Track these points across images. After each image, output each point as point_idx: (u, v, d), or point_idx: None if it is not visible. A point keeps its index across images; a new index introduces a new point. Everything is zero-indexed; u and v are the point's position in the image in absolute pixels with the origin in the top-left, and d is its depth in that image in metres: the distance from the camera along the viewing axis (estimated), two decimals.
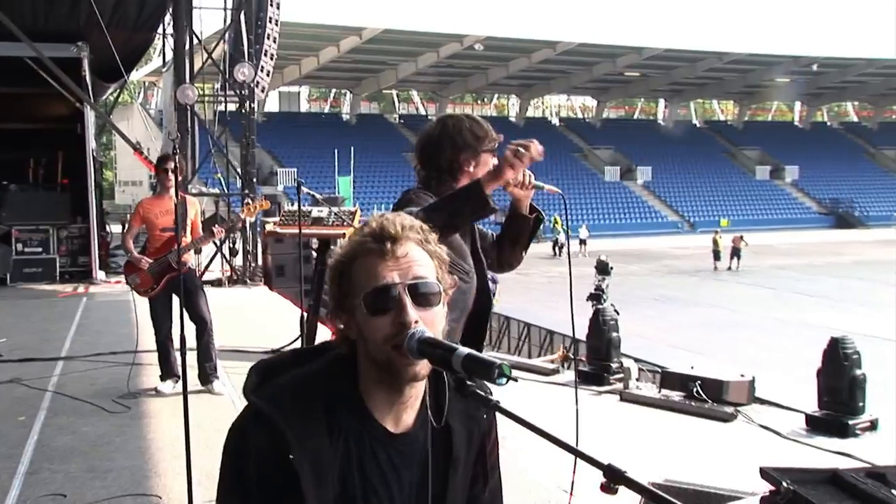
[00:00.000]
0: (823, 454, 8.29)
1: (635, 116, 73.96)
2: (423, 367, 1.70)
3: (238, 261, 16.48)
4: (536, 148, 3.11)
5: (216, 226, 8.22)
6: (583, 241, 44.11)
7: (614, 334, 10.44)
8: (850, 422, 8.62)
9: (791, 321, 24.65)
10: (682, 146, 65.12)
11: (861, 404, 8.14)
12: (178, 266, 7.67)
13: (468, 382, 1.67)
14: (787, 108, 77.52)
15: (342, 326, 1.78)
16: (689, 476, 4.88)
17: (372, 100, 66.89)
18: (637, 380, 10.36)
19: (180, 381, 7.90)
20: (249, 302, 14.13)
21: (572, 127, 67.79)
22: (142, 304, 8.09)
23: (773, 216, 59.69)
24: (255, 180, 16.08)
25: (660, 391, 9.57)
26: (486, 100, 74.43)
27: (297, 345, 9.45)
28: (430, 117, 64.15)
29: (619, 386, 10.01)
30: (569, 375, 10.97)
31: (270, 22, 15.47)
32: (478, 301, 3.43)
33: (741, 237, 39.27)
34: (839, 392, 7.86)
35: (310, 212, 9.92)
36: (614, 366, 10.26)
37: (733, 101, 73.45)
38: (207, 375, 7.98)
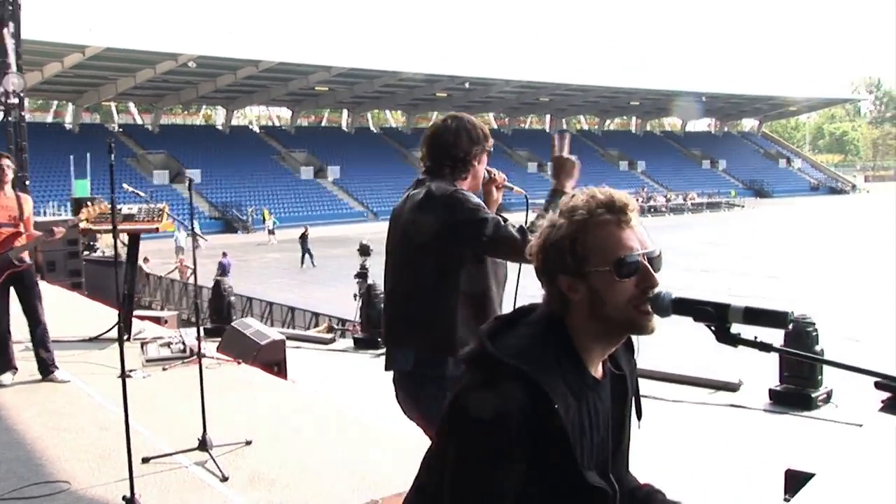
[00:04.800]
0: None
1: (323, 124, 73.90)
2: (657, 322, 1.67)
3: None
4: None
5: (56, 226, 7.36)
6: (271, 231, 43.84)
7: (383, 305, 10.40)
8: None
9: None
10: (363, 148, 65.98)
11: None
12: (19, 262, 6.89)
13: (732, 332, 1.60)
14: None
15: (563, 289, 1.68)
16: None
17: (93, 111, 62.60)
18: None
19: (17, 373, 7.09)
20: None
21: (271, 134, 66.91)
22: None
23: None
24: (27, 183, 14.64)
25: None
26: (193, 110, 71.80)
27: (114, 333, 8.74)
28: (146, 126, 61.17)
29: None
30: (344, 343, 10.86)
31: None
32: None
33: None
34: None
35: (119, 209, 9.18)
36: None
37: (402, 111, 75.08)
38: (47, 367, 6.98)
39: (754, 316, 1.55)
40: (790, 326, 1.52)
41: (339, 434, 5.56)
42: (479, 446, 1.57)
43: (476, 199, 3.00)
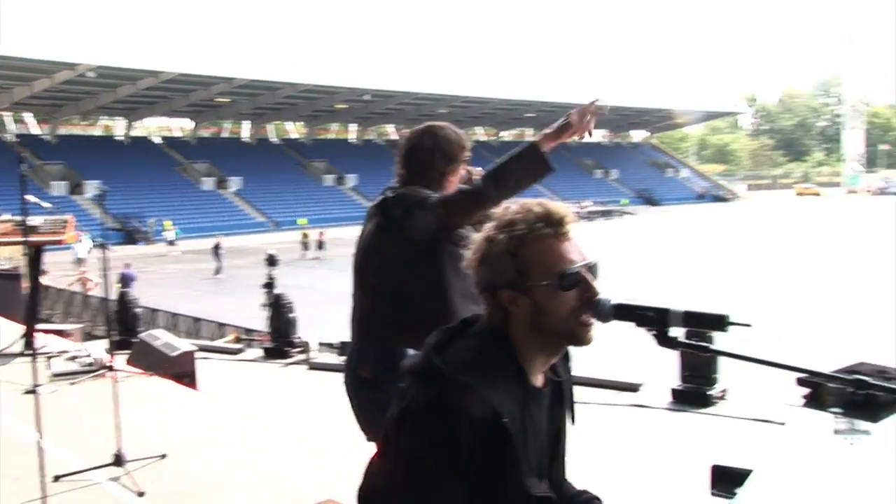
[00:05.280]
0: None
1: (225, 135, 72.54)
2: (595, 333, 1.68)
3: None
4: (597, 107, 2.95)
5: None
6: (171, 242, 43.09)
7: (292, 315, 10.29)
8: None
9: None
10: (265, 160, 65.12)
11: None
12: None
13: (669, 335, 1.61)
14: (344, 128, 79.73)
15: (505, 303, 1.67)
16: None
17: None
18: (318, 351, 10.30)
19: None
20: None
21: (172, 145, 65.24)
22: None
23: (340, 214, 60.85)
24: None
25: (340, 358, 9.59)
26: (92, 121, 69.47)
27: (18, 347, 8.34)
28: (44, 136, 58.94)
29: (302, 357, 9.90)
30: (253, 353, 10.66)
31: None
32: None
33: (322, 232, 40.02)
34: None
35: (23, 221, 8.80)
36: (296, 341, 10.13)
37: (303, 123, 74.26)
38: None
39: (694, 320, 1.56)
40: (727, 330, 1.54)
41: (256, 444, 5.44)
42: (428, 459, 1.54)
43: (427, 192, 2.97)
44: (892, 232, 41.10)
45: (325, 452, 5.20)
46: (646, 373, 7.58)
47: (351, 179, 66.59)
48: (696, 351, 1.61)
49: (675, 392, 7.08)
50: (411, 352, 2.78)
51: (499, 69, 68.76)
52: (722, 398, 7.02)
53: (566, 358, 1.85)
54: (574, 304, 1.65)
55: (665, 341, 1.60)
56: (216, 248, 34.15)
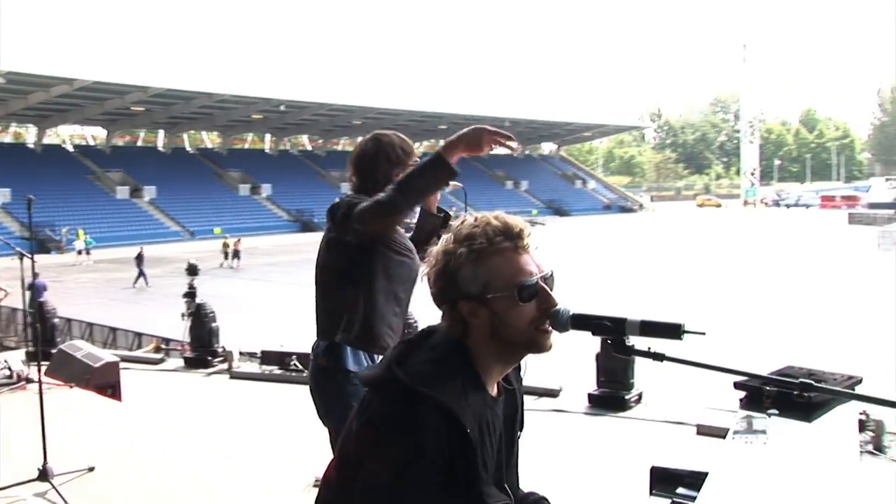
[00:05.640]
0: None
1: (139, 144, 70.89)
2: (554, 340, 1.69)
3: None
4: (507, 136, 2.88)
5: None
6: (81, 251, 41.92)
7: (214, 324, 10.10)
8: None
9: (291, 303, 25.18)
10: (180, 169, 63.83)
11: None
12: None
13: (628, 343, 1.63)
14: (259, 138, 78.77)
15: (464, 314, 1.67)
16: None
17: None
18: (239, 360, 10.11)
19: None
20: None
21: (85, 153, 63.28)
22: None
23: (255, 224, 60.06)
24: None
25: (261, 367, 9.43)
26: (2, 128, 66.99)
27: None
28: None
29: (224, 367, 9.71)
30: (174, 363, 10.42)
31: None
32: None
33: (238, 240, 39.35)
34: None
35: None
36: (219, 350, 9.93)
37: (218, 133, 73.08)
38: None
39: (650, 328, 1.58)
40: (682, 338, 1.56)
41: (182, 454, 5.31)
42: (394, 471, 1.53)
43: (366, 198, 3.01)
44: (783, 240, 42.81)
45: (253, 460, 5.11)
46: (561, 377, 7.65)
47: (266, 189, 65.81)
48: (650, 358, 1.63)
49: (591, 397, 7.14)
50: (349, 349, 2.98)
51: (411, 81, 69.23)
52: (638, 402, 7.12)
53: (517, 367, 1.86)
54: (533, 315, 1.66)
55: (621, 349, 1.62)
56: (139, 256, 33.32)
